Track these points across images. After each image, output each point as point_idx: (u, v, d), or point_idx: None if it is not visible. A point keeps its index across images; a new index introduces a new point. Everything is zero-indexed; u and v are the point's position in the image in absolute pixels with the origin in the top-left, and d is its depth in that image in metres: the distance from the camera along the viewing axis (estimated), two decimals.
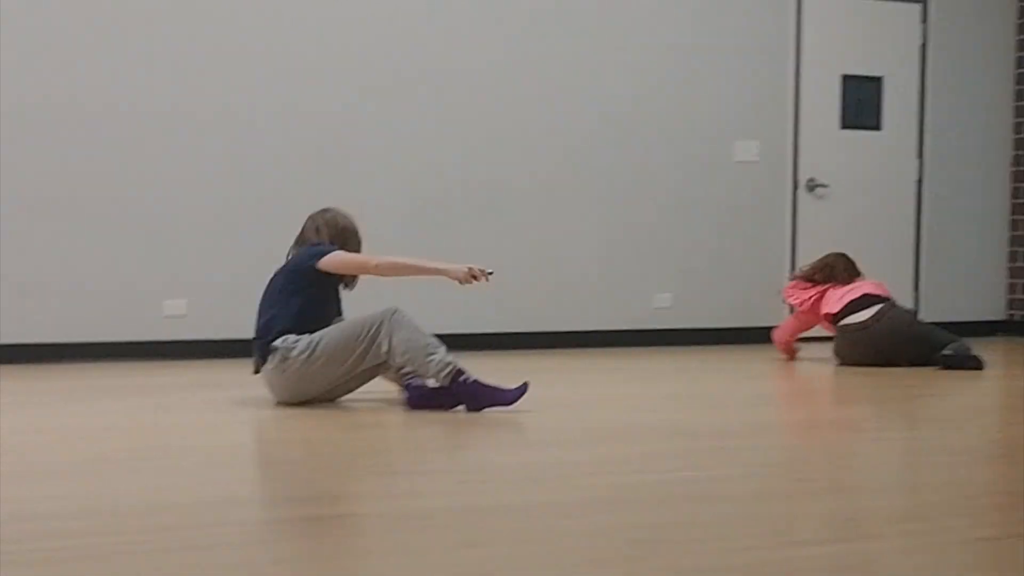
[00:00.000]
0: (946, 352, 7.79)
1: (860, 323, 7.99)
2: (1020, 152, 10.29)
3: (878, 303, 8.04)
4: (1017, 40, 10.31)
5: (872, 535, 3.50)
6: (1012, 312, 10.39)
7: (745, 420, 5.77)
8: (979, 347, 9.13)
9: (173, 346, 8.09)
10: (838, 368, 7.96)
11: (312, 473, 4.34)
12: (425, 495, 3.98)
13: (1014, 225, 10.36)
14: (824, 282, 8.30)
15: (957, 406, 6.36)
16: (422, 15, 8.56)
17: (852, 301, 8.09)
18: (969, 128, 10.20)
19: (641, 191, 9.12)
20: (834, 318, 8.16)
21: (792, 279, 8.55)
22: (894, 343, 7.95)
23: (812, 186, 9.60)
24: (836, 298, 8.18)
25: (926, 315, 9.81)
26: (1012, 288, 10.39)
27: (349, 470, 4.40)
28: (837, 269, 8.32)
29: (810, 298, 8.28)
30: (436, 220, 8.62)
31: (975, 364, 7.73)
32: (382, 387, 6.38)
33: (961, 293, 10.21)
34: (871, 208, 9.83)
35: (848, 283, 8.25)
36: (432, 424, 5.48)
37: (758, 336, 9.26)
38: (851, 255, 8.39)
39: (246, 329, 8.11)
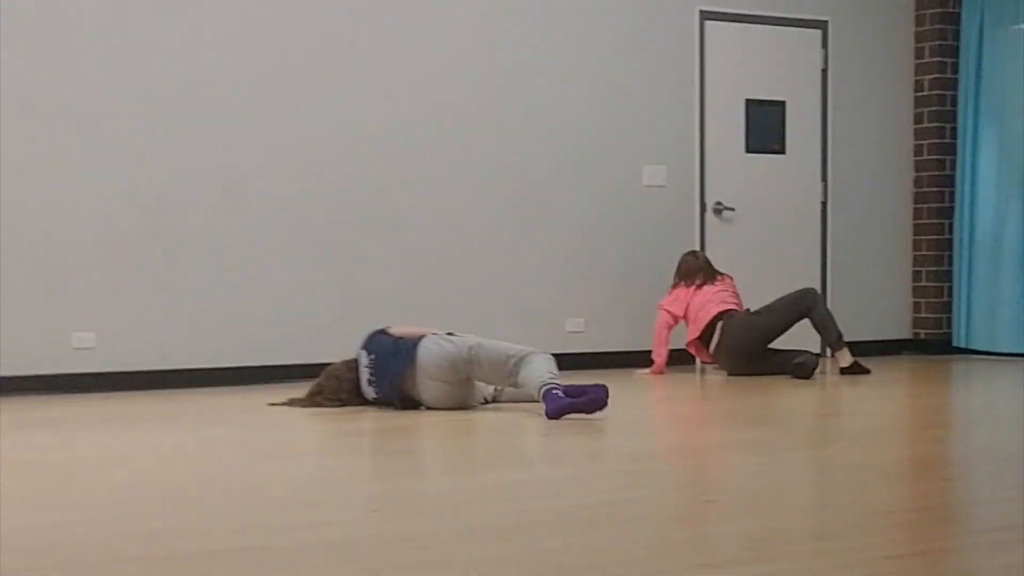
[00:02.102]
0: (798, 361, 8.39)
1: (714, 349, 8.78)
2: (921, 173, 10.46)
3: (718, 321, 8.75)
4: (916, 63, 10.48)
5: (784, 555, 3.54)
6: (917, 331, 10.54)
7: (655, 442, 5.81)
8: (886, 365, 9.29)
9: (82, 379, 8.00)
10: (737, 386, 8.09)
11: (222, 505, 4.31)
12: (336, 524, 3.97)
13: (916, 245, 10.52)
14: (685, 282, 9.00)
15: (864, 424, 6.45)
16: (330, 27, 8.57)
17: (705, 328, 8.81)
18: (872, 150, 10.35)
19: (553, 217, 9.16)
20: (697, 345, 8.95)
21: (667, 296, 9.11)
22: (746, 350, 8.69)
23: (719, 209, 9.69)
24: (692, 318, 8.90)
25: None
26: (916, 307, 10.54)
27: (260, 500, 4.38)
28: (689, 267, 9.06)
29: (685, 303, 8.96)
30: (340, 249, 8.59)
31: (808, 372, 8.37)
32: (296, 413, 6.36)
33: (867, 313, 10.33)
34: (777, 230, 9.93)
35: (703, 284, 8.95)
36: (343, 453, 5.46)
37: (667, 358, 9.31)
38: (705, 258, 9.19)
39: (155, 360, 8.14)
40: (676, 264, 9.18)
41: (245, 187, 8.37)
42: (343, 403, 6.84)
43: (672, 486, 4.69)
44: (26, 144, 7.86)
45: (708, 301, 8.82)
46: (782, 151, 9.99)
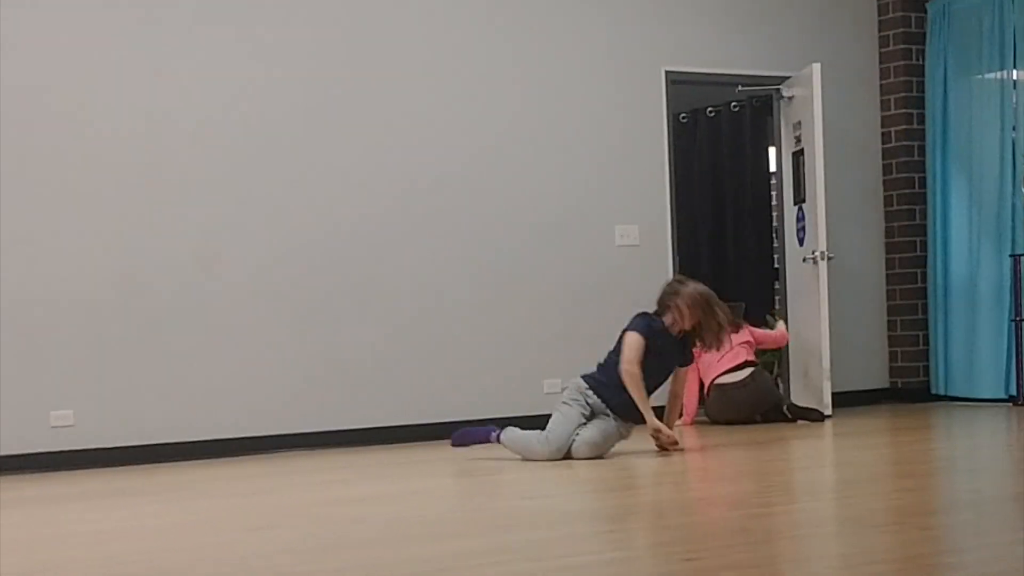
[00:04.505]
0: (792, 406, 9.11)
1: (738, 382, 9.03)
2: (892, 224, 10.54)
3: (750, 366, 9.08)
4: (882, 116, 10.58)
5: None
6: (895, 380, 10.59)
7: (632, 500, 5.82)
8: (864, 415, 9.35)
9: (61, 456, 7.99)
10: (713, 441, 8.11)
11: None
12: None
13: (891, 295, 10.58)
14: None
15: (841, 475, 6.47)
16: (312, 97, 8.64)
17: (730, 370, 9.08)
18: (842, 203, 10.41)
19: (526, 278, 9.20)
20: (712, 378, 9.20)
21: None
22: (761, 402, 9.09)
23: (831, 257, 9.49)
24: (715, 360, 9.00)
25: None
26: (893, 356, 10.59)
27: (245, 573, 4.37)
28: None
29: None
30: (317, 317, 8.62)
31: (818, 416, 9.01)
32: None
33: (844, 363, 10.34)
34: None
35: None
36: (326, 522, 5.46)
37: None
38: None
39: (133, 436, 8.13)
40: None
41: (218, 259, 8.41)
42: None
43: (650, 545, 4.70)
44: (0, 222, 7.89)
45: (734, 352, 9.04)
46: None
